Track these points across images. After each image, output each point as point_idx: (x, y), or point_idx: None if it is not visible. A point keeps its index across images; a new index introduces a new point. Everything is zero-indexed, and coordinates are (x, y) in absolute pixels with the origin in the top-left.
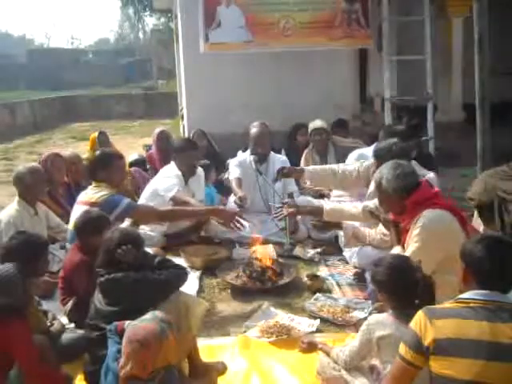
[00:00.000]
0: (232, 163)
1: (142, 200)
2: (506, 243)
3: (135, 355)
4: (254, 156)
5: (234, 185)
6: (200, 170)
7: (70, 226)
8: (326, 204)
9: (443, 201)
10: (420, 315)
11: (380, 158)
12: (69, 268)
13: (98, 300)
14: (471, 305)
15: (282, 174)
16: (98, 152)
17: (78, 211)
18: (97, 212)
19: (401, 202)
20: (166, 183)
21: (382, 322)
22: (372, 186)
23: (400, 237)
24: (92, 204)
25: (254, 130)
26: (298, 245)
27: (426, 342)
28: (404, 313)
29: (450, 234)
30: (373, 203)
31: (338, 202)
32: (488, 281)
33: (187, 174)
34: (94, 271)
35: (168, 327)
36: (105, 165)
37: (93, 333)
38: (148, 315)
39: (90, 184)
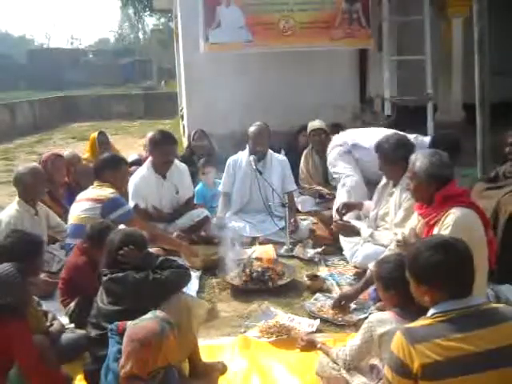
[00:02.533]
0: (226, 164)
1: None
2: (452, 244)
3: (135, 354)
4: (253, 156)
5: (220, 200)
6: (183, 166)
7: (70, 221)
8: None
9: (470, 199)
10: (400, 340)
11: (380, 149)
12: (71, 269)
13: (100, 299)
14: (449, 316)
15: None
16: (108, 154)
17: (80, 207)
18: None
19: (430, 189)
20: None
21: (383, 319)
22: (384, 178)
23: None
24: (98, 200)
25: (252, 129)
26: (298, 245)
27: (413, 368)
28: (406, 310)
29: (477, 234)
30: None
31: None
32: (457, 288)
33: (164, 168)
34: (96, 272)
35: (168, 327)
36: (113, 167)
37: (93, 332)
38: (148, 315)
39: (91, 184)
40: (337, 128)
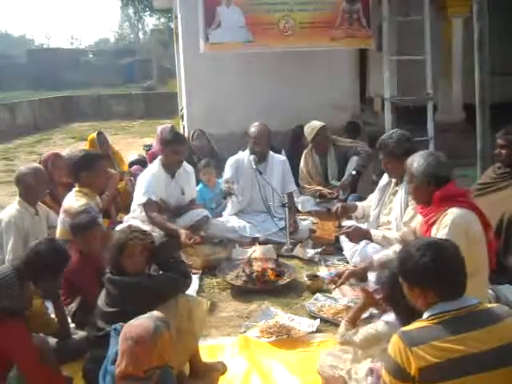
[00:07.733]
0: (228, 163)
1: (135, 202)
2: (441, 245)
3: (130, 352)
4: (253, 156)
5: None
6: (190, 168)
7: (58, 234)
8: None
9: (470, 200)
10: (397, 343)
11: (384, 145)
12: (68, 268)
13: (100, 299)
14: (444, 318)
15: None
16: (80, 153)
17: (59, 220)
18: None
19: (428, 190)
20: (137, 192)
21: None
22: (385, 178)
23: None
24: (67, 214)
25: (252, 130)
26: (298, 245)
27: (411, 371)
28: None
29: (475, 235)
30: (401, 233)
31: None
32: (449, 290)
33: (173, 167)
34: (93, 270)
35: (163, 325)
36: (88, 167)
37: (92, 332)
38: (144, 314)
39: None
40: (353, 126)
